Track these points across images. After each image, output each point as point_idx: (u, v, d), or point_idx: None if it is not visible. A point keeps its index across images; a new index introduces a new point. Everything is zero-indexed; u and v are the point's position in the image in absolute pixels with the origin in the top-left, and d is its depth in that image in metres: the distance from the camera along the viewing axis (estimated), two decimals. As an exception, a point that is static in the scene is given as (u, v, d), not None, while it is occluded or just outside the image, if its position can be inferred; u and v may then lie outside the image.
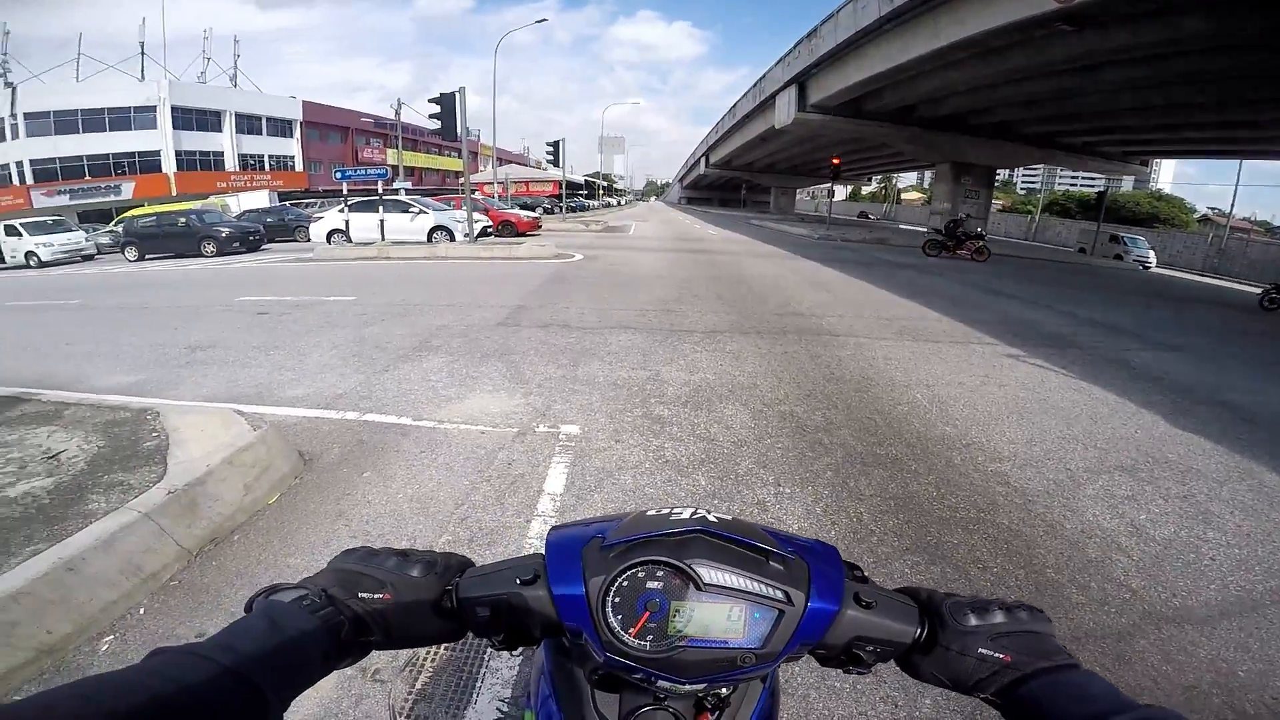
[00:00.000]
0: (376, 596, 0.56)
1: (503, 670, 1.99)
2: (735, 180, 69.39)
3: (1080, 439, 4.34)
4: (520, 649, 0.60)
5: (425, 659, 2.07)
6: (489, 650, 2.06)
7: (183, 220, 19.00)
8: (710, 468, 3.58)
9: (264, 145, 42.67)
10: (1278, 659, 2.26)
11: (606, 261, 14.12)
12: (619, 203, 76.22)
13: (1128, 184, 64.37)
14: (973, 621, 0.55)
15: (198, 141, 38.77)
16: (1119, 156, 31.12)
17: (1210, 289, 20.11)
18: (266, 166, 42.58)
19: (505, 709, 1.90)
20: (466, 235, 16.86)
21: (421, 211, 18.09)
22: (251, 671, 0.43)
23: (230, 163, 40.12)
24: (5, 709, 0.34)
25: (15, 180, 35.03)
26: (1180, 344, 8.30)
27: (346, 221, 17.95)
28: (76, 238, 19.74)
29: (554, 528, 0.62)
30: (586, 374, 5.25)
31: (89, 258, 19.73)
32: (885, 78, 19.58)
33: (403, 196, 18.61)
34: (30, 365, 5.78)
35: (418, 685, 1.97)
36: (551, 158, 29.97)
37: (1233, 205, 35.20)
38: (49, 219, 20.39)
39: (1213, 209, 54.07)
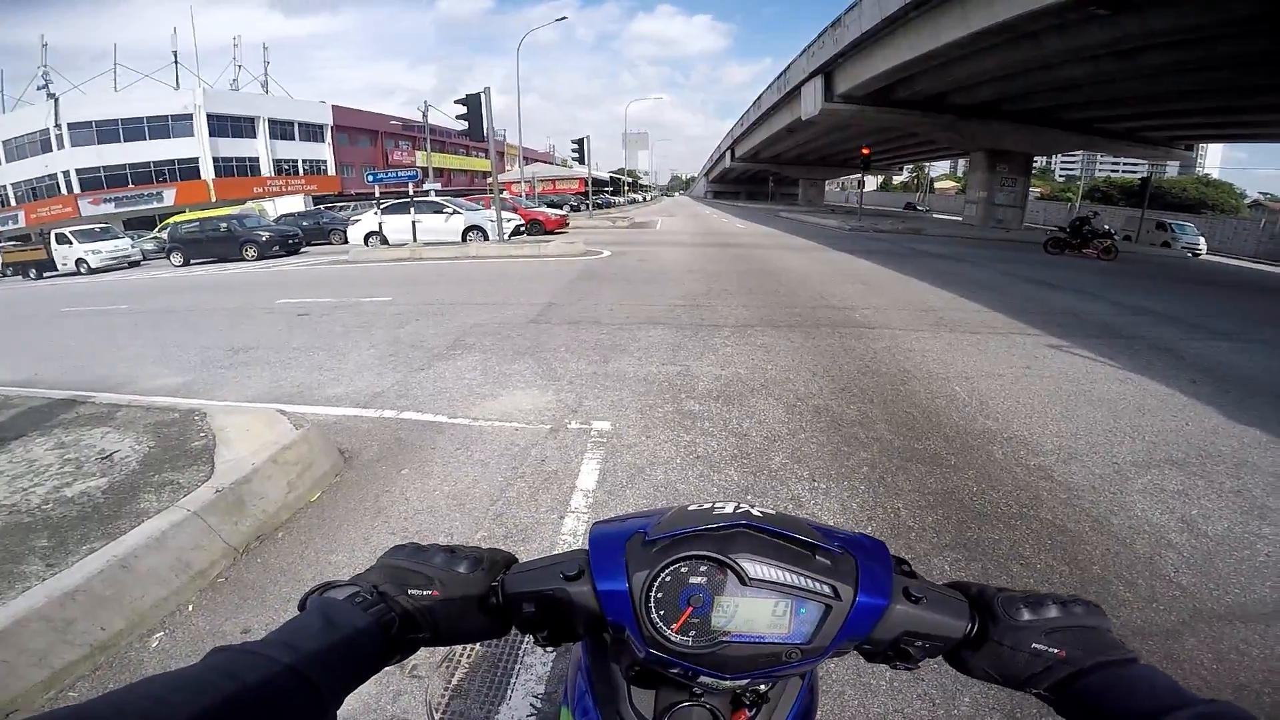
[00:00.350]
0: (425, 593, 0.56)
1: (536, 667, 2.02)
2: (762, 173, 68.79)
3: (1127, 432, 4.20)
4: (558, 645, 0.61)
5: (461, 655, 2.09)
6: (524, 647, 2.09)
7: (224, 225, 19.56)
8: (743, 463, 3.56)
9: (297, 150, 43.60)
10: None
11: (635, 257, 14.12)
12: (645, 199, 76.20)
13: (1172, 169, 62.14)
14: (1026, 616, 0.54)
15: (233, 148, 39.77)
16: (1163, 142, 30.05)
17: (1264, 276, 19.27)
18: (300, 171, 43.54)
19: (540, 705, 1.93)
20: (501, 234, 17.02)
21: (455, 212, 18.24)
22: (309, 669, 0.44)
23: (265, 168, 41.10)
24: (77, 709, 0.35)
25: (63, 189, 36.49)
26: (1232, 332, 7.96)
27: (380, 223, 18.23)
28: (123, 244, 20.54)
29: (597, 523, 0.62)
30: (617, 370, 5.26)
31: (135, 264, 20.53)
32: (915, 65, 19.18)
33: (435, 198, 18.84)
34: (83, 368, 6.02)
35: (454, 681, 2.00)
36: (577, 155, 30.10)
37: (1286, 188, 33.62)
38: (96, 227, 21.33)
39: (1264, 194, 51.87)
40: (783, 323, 7.17)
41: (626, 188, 67.99)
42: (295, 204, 35.63)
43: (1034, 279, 12.26)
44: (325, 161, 45.37)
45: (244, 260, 18.48)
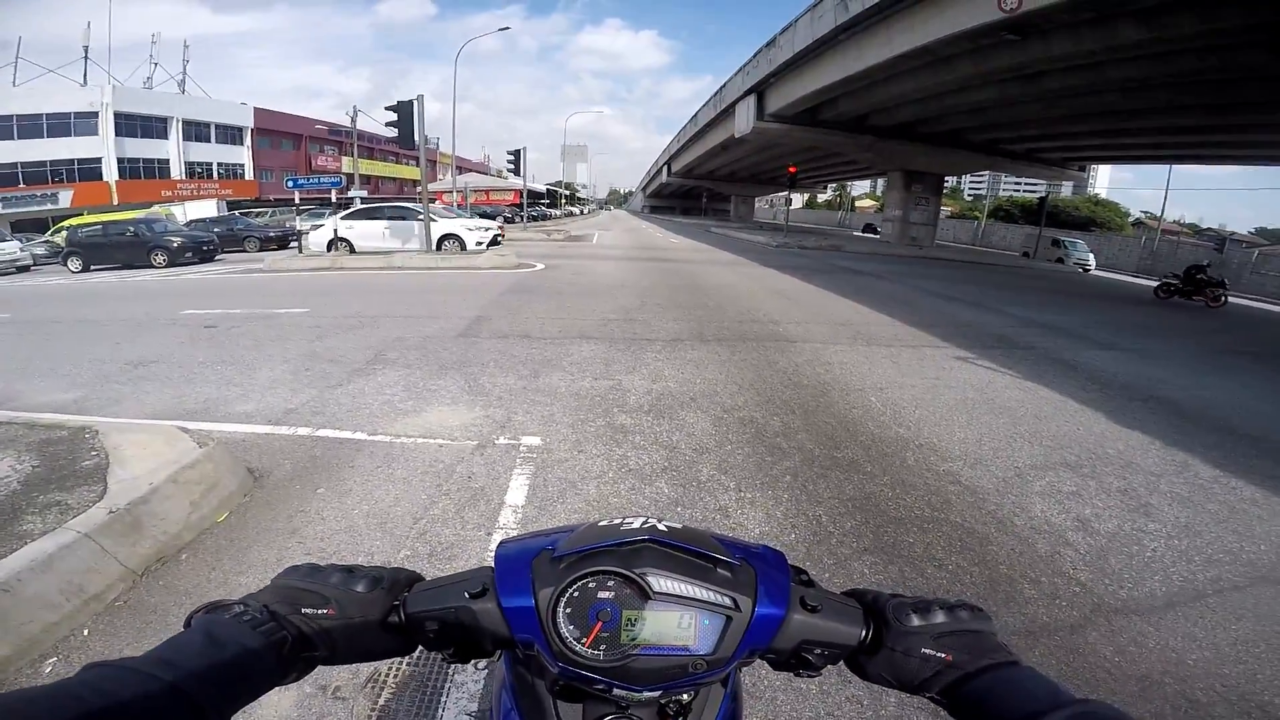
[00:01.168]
0: (320, 612, 0.55)
1: (468, 684, 1.97)
2: (697, 189, 70.16)
3: (1026, 437, 4.51)
4: (484, 662, 0.60)
5: (387, 675, 2.02)
6: (453, 666, 2.03)
7: (131, 230, 18.15)
8: (673, 475, 3.60)
9: (212, 153, 41.46)
10: (1224, 646, 2.36)
11: (569, 271, 14.08)
12: (582, 211, 76.10)
13: (1067, 189, 67.30)
14: (915, 622, 0.56)
15: (142, 149, 37.45)
16: (1059, 162, 32.55)
17: (1143, 289, 21.11)
18: (215, 175, 41.38)
19: None
20: (432, 244, 16.53)
21: (430, 219, 17.25)
22: (189, 687, 0.43)
23: (176, 170, 38.82)
24: None
25: (-59, 188, 33.22)
26: (1115, 342, 8.72)
27: (346, 229, 17.07)
28: (9, 248, 18.73)
29: (503, 541, 0.62)
30: (548, 385, 5.21)
31: (24, 268, 18.77)
32: (840, 86, 20.10)
33: (406, 203, 17.96)
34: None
35: (380, 702, 1.92)
36: (513, 166, 29.80)
37: (1163, 209, 37.15)
38: None
39: (1145, 213, 56.87)
40: (711, 337, 7.31)
41: (564, 200, 67.77)
42: (208, 209, 33.63)
43: (942, 294, 13.04)
44: (243, 165, 43.25)
45: (153, 267, 17.25)
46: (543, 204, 52.08)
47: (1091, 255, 30.46)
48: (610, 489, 3.41)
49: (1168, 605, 2.61)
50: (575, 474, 3.57)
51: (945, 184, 34.49)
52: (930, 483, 3.65)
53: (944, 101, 20.62)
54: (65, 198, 34.46)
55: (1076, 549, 3.01)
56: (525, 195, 35.67)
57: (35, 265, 19.53)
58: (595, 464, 3.71)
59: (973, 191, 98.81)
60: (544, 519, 3.07)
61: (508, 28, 31.76)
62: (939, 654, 0.54)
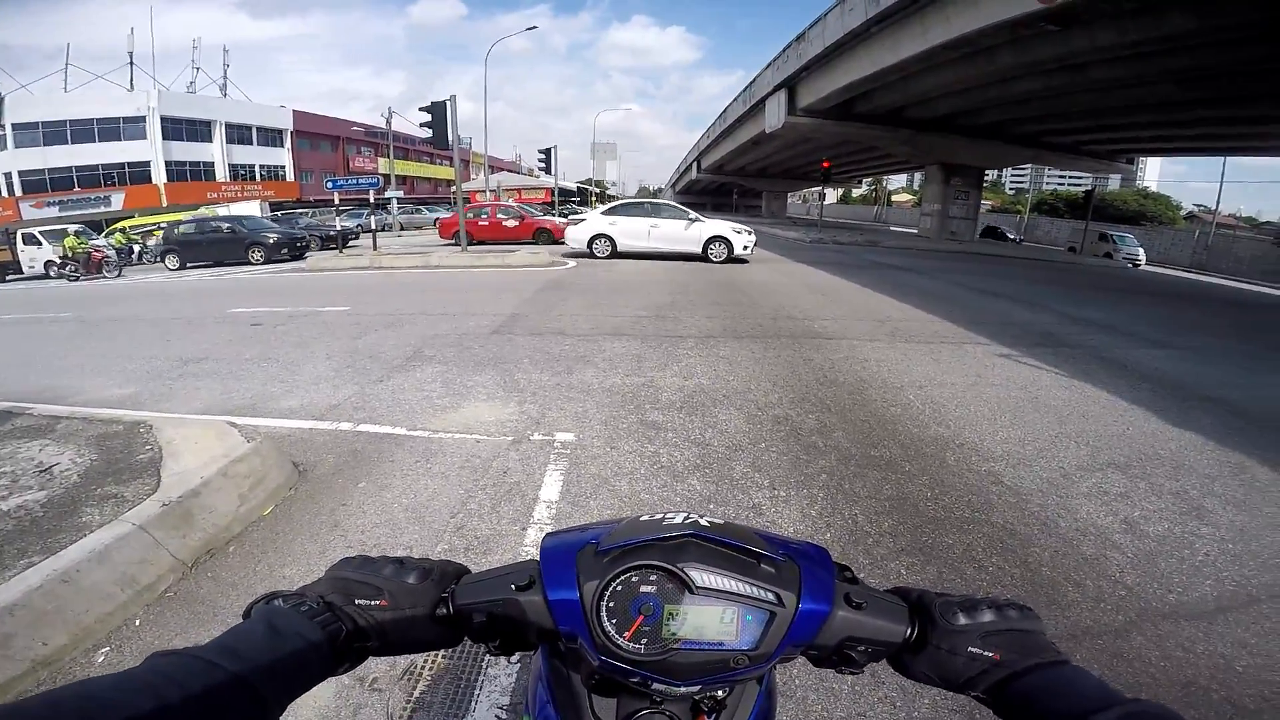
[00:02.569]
0: (373, 603, 0.56)
1: (500, 678, 2.00)
2: (727, 185, 69.54)
3: (1073, 437, 4.37)
4: (517, 655, 0.61)
5: (423, 667, 2.06)
6: (486, 658, 2.06)
7: (227, 226, 18.75)
8: (705, 472, 3.59)
9: (254, 155, 42.71)
10: (1275, 653, 2.27)
11: (601, 268, 14.12)
12: (612, 208, 76.17)
13: (1114, 183, 64.83)
14: (962, 620, 0.55)
15: (187, 152, 38.77)
16: (1106, 155, 31.41)
17: (1197, 285, 20.28)
18: (257, 176, 42.59)
19: (504, 716, 1.91)
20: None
21: (697, 220, 15.69)
22: (252, 676, 0.44)
23: (221, 173, 40.10)
24: (11, 706, 0.34)
25: (4, 192, 35.02)
26: (1167, 340, 8.36)
27: (609, 225, 15.86)
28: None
29: (548, 534, 0.62)
30: (581, 381, 5.25)
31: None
32: (874, 80, 19.71)
33: (673, 203, 16.98)
34: (22, 379, 5.74)
35: (415, 694, 1.96)
36: (544, 165, 30.07)
37: (1218, 202, 35.75)
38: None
39: (1199, 206, 54.60)
40: (745, 333, 7.26)
41: (594, 198, 68.00)
42: (252, 209, 34.69)
43: (984, 290, 12.68)
44: (284, 167, 44.47)
45: (248, 263, 17.69)
46: (574, 201, 52.32)
47: (1141, 250, 29.34)
48: (643, 485, 3.42)
49: (1218, 610, 2.51)
50: (608, 470, 3.58)
51: (986, 177, 33.58)
52: (971, 483, 3.56)
53: (985, 93, 20.04)
54: (117, 200, 35.93)
55: (1124, 551, 2.91)
56: (556, 193, 35.92)
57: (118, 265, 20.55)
58: (628, 460, 3.72)
59: (1015, 184, 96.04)
60: (578, 515, 3.09)
61: (535, 26, 32.15)
62: (986, 652, 0.53)
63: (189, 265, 18.41)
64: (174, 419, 4.12)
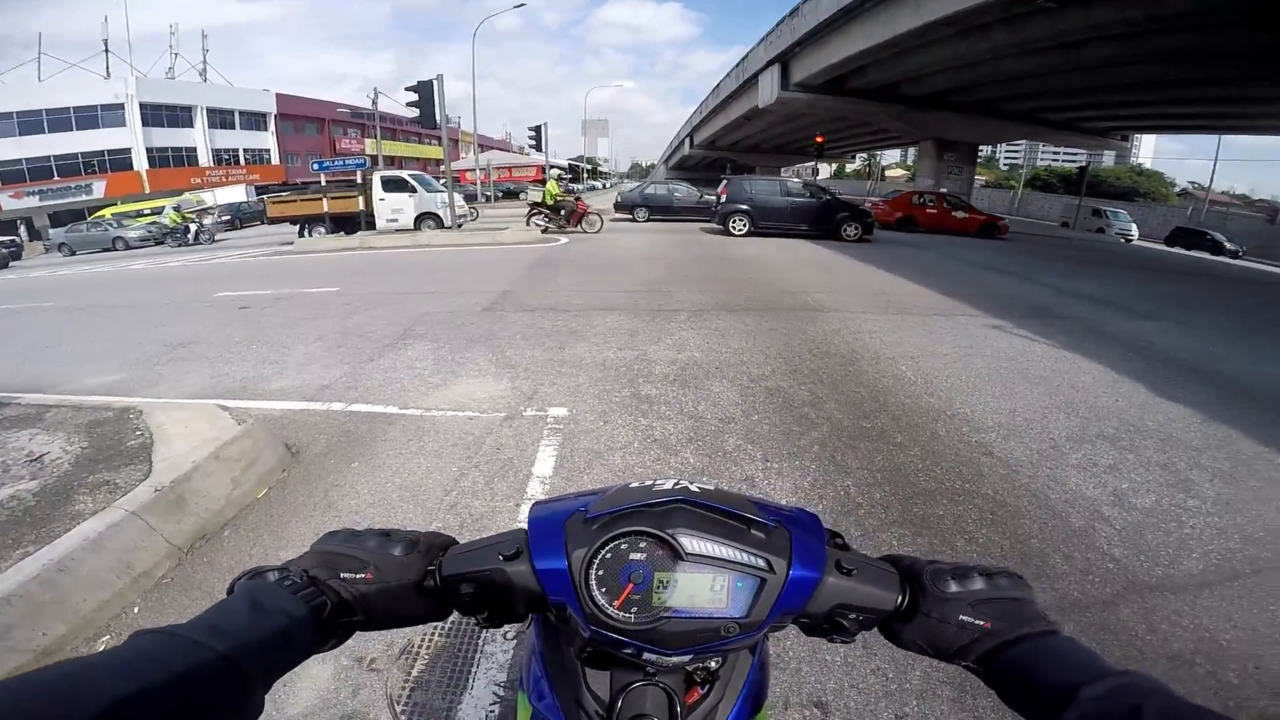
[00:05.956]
0: (359, 577, 0.55)
1: (498, 655, 2.00)
2: (720, 160, 68.86)
3: (1063, 408, 4.40)
4: (510, 629, 0.60)
5: (420, 646, 2.07)
6: (483, 636, 2.07)
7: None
8: (698, 445, 3.60)
9: (238, 139, 42.14)
10: (1260, 627, 2.30)
11: (593, 244, 14.04)
12: (604, 185, 75.58)
13: (1108, 159, 64.74)
14: (953, 588, 0.55)
15: (169, 138, 38.19)
16: (1100, 132, 31.27)
17: (1188, 260, 20.34)
18: (241, 160, 41.99)
19: (502, 693, 1.93)
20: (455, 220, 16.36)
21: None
22: (234, 653, 0.43)
23: (204, 158, 39.57)
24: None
25: (-20, 181, 34.31)
26: (1158, 313, 8.41)
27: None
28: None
29: (537, 502, 0.61)
30: (573, 356, 5.23)
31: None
32: (868, 55, 19.48)
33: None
34: (14, 368, 5.69)
35: (414, 673, 1.97)
36: (534, 143, 29.67)
37: (1212, 179, 35.76)
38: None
39: (1193, 183, 54.61)
40: (738, 307, 7.25)
41: (586, 175, 67.35)
42: (237, 194, 34.25)
43: (976, 263, 12.72)
44: (268, 150, 43.82)
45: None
46: (565, 179, 51.79)
47: (1134, 225, 29.42)
48: (636, 459, 3.43)
49: (1203, 584, 2.55)
50: (601, 444, 3.59)
51: (980, 153, 33.40)
52: (962, 454, 3.59)
53: (978, 70, 19.84)
54: (99, 188, 35.33)
55: (1112, 524, 2.94)
56: (547, 171, 35.50)
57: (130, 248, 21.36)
58: (621, 434, 3.72)
59: (1009, 160, 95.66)
60: (571, 489, 3.09)
61: (524, 3, 30.96)
62: (977, 621, 0.53)
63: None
64: (164, 404, 4.08)
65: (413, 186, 17.07)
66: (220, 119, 40.74)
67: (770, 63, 25.40)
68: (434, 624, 2.14)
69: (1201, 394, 4.91)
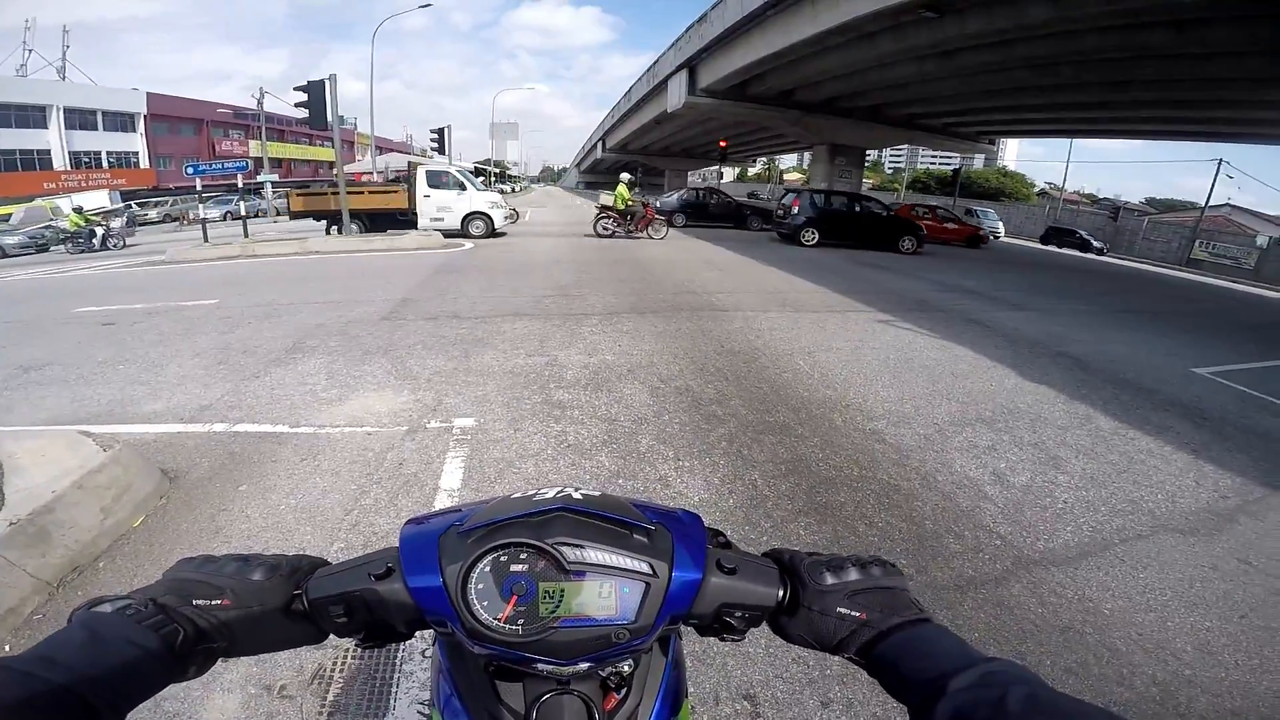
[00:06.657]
0: (215, 603, 0.53)
1: (417, 673, 1.93)
2: (631, 164, 69.61)
3: (945, 394, 4.75)
4: (429, 650, 0.58)
5: (333, 670, 1.96)
6: (400, 654, 2.00)
7: None
8: (613, 448, 3.61)
9: (101, 141, 38.44)
10: (1134, 594, 2.52)
11: (500, 248, 13.74)
12: (513, 189, 74.28)
13: (979, 162, 70.44)
14: (829, 580, 0.56)
15: (17, 139, 34.42)
16: (973, 136, 33.96)
17: (1046, 254, 22.49)
18: (105, 164, 38.24)
19: (427, 711, 1.85)
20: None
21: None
22: (76, 685, 0.41)
23: (60, 161, 35.77)
24: None
25: None
26: (1022, 303, 9.28)
27: None
28: None
29: (409, 519, 0.60)
30: (480, 364, 5.10)
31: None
32: (768, 62, 20.25)
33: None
34: None
35: (329, 698, 1.87)
36: (436, 145, 28.69)
37: (1064, 180, 39.72)
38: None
39: (1050, 184, 60.50)
40: (648, 309, 7.33)
41: (493, 178, 65.91)
42: (100, 199, 31.02)
43: (867, 263, 13.56)
44: (137, 153, 40.11)
45: None
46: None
47: (1001, 223, 32.21)
48: (550, 465, 3.39)
49: (1080, 556, 2.77)
50: (513, 453, 3.52)
51: (867, 157, 35.46)
52: (858, 442, 3.79)
53: (866, 77, 21.10)
54: (-70, 193, 31.10)
55: (995, 502, 3.18)
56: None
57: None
58: (533, 441, 3.67)
59: (893, 165, 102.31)
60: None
61: (430, 3, 29.68)
62: (854, 612, 0.54)
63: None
64: (15, 431, 3.63)
65: (461, 183, 15.71)
66: (80, 120, 37.06)
67: (679, 68, 25.89)
68: (346, 646, 2.03)
69: (1062, 375, 5.45)
